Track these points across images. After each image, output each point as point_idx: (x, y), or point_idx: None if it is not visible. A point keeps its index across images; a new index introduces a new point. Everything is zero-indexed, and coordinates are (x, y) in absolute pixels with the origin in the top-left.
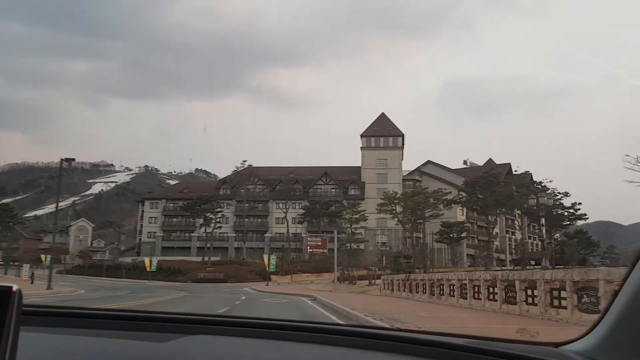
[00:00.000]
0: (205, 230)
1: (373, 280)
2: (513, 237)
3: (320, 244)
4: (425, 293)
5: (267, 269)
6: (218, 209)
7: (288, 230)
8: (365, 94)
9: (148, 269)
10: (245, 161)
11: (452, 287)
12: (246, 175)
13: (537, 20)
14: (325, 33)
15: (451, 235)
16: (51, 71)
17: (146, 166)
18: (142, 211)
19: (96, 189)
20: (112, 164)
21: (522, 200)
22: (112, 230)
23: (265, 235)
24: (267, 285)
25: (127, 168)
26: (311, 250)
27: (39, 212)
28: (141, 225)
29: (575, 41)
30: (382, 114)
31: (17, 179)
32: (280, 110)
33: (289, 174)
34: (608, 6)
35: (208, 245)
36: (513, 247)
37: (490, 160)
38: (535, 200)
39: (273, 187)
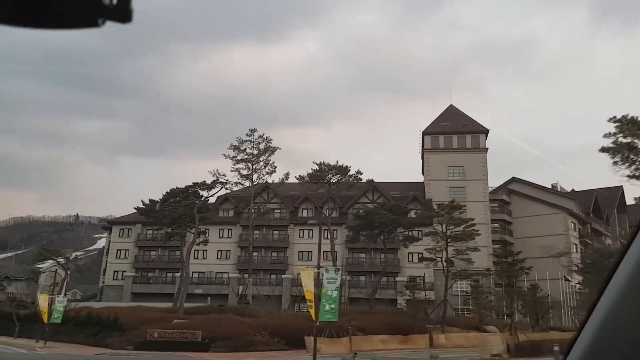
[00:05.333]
0: (182, 249)
1: None
2: None
3: None
4: None
5: (314, 317)
6: (203, 213)
7: (334, 260)
8: (372, 154)
9: (46, 320)
10: (254, 130)
11: None
12: (257, 190)
13: (545, 84)
14: (332, 96)
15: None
16: (63, 130)
17: None
18: (109, 242)
19: (102, 243)
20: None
21: None
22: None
23: (283, 276)
24: None
25: None
26: None
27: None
28: (106, 261)
29: (586, 105)
30: (451, 105)
31: (19, 233)
32: (289, 167)
33: (317, 190)
34: (618, 70)
35: (184, 283)
36: None
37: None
38: None
39: (295, 207)
